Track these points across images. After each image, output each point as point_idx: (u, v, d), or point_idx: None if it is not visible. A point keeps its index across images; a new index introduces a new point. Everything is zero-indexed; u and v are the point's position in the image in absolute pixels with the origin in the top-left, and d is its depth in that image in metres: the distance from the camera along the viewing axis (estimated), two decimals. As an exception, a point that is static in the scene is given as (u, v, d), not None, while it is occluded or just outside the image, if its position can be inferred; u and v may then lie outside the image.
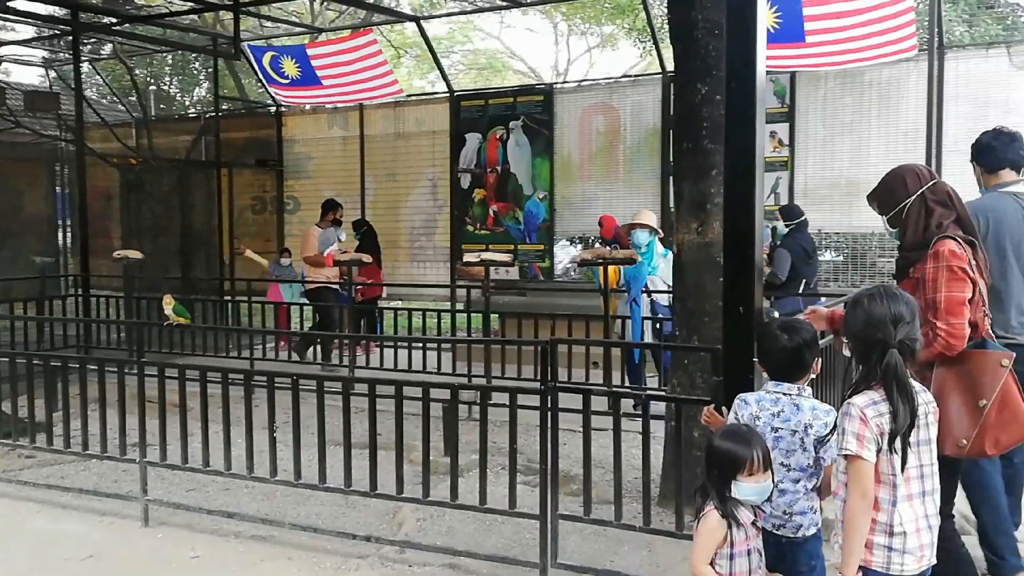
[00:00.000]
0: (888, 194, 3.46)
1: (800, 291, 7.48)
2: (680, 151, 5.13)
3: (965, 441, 3.13)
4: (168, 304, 6.21)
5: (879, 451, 2.58)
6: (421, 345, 7.88)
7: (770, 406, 2.98)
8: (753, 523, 2.79)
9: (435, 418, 4.72)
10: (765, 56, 3.40)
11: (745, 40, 3.38)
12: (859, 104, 9.10)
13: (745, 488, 2.70)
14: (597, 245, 7.83)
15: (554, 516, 4.14)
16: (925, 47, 8.80)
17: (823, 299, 7.33)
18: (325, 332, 9.41)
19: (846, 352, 3.60)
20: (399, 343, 8.32)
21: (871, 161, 8.99)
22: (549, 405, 4.11)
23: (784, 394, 2.98)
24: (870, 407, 2.59)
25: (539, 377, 4.16)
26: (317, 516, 5.13)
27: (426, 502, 4.51)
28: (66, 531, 5.00)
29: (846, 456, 2.62)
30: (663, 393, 4.94)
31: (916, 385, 2.68)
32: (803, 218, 7.79)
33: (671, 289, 7.09)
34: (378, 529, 4.90)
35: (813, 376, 3.03)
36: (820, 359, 3.05)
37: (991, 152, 4.38)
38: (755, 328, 3.29)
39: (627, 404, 5.71)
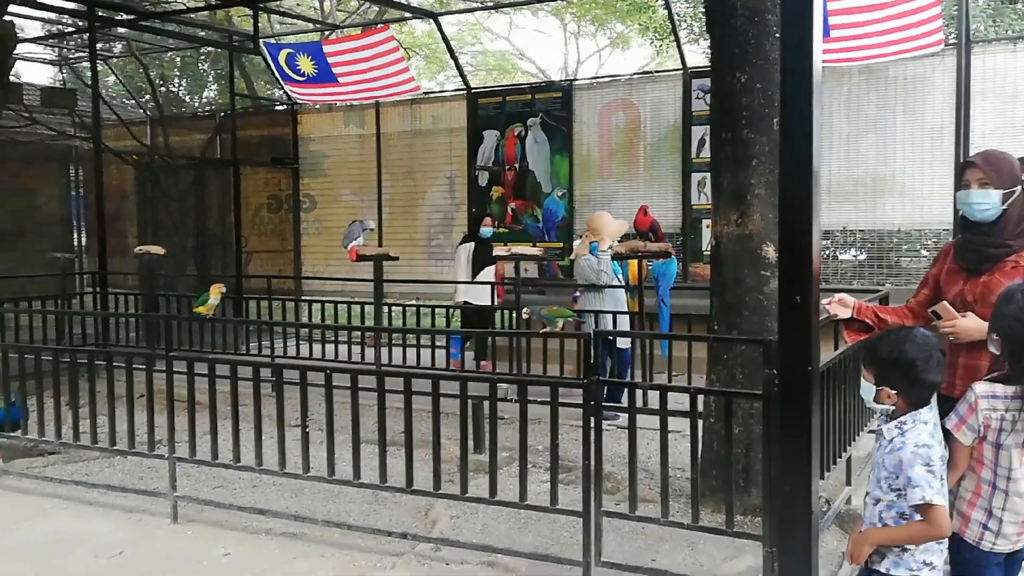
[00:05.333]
0: (1012, 176, 3.32)
1: None
2: (718, 141, 5.03)
3: None
4: (217, 293, 6.02)
5: (982, 439, 2.65)
6: (445, 341, 7.79)
7: (938, 435, 2.64)
8: None
9: (456, 416, 4.61)
10: (822, 39, 3.31)
11: (801, 22, 3.29)
12: (884, 100, 9.00)
13: None
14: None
15: (598, 513, 4.04)
16: (952, 42, 8.70)
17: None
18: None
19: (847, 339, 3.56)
20: (430, 338, 8.22)
21: (897, 158, 8.91)
22: (592, 400, 4.01)
23: (935, 415, 2.67)
24: (985, 399, 2.62)
25: (581, 371, 4.06)
26: (348, 513, 5.05)
27: (464, 498, 4.41)
28: (94, 529, 4.91)
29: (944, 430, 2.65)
30: (716, 388, 4.81)
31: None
32: None
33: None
34: (411, 526, 4.81)
35: None
36: None
37: None
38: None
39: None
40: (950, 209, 8.60)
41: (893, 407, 2.69)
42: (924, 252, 9.40)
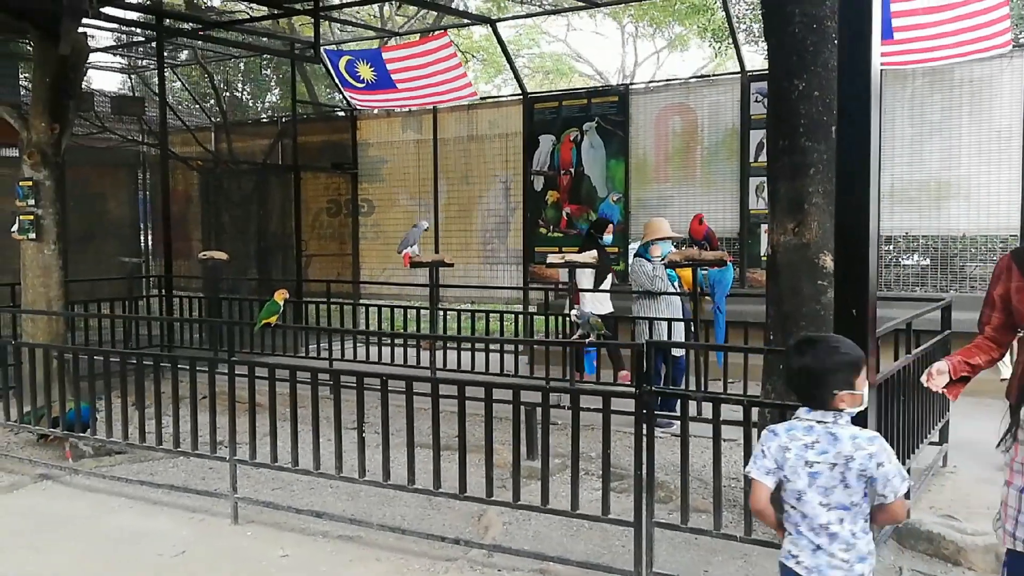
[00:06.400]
0: None
1: None
2: (775, 149, 4.99)
3: None
4: (281, 299, 6.16)
5: None
6: (499, 347, 7.85)
7: (802, 436, 2.66)
8: None
9: (510, 421, 4.64)
10: (883, 41, 3.28)
11: (859, 28, 3.27)
12: (949, 103, 8.80)
13: None
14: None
15: (649, 523, 4.04)
16: (1021, 43, 8.47)
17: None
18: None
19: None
20: (483, 344, 8.28)
21: (962, 162, 8.70)
22: (645, 410, 4.01)
23: (818, 422, 2.66)
24: None
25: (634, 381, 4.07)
26: (403, 518, 5.12)
27: (516, 506, 4.44)
28: (157, 527, 5.07)
29: None
30: (772, 400, 4.76)
31: None
32: None
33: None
34: (464, 532, 4.86)
35: (850, 410, 2.68)
36: (858, 393, 2.69)
37: None
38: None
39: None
40: (1018, 214, 8.39)
41: None
42: (992, 257, 9.15)
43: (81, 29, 7.71)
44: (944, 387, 3.35)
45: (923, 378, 3.37)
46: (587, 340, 5.22)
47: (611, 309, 8.31)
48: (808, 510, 2.64)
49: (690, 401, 4.28)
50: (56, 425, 6.11)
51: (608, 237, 8.53)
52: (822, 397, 2.67)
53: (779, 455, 2.67)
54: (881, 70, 8.85)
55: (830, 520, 2.62)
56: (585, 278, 8.14)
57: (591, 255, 7.71)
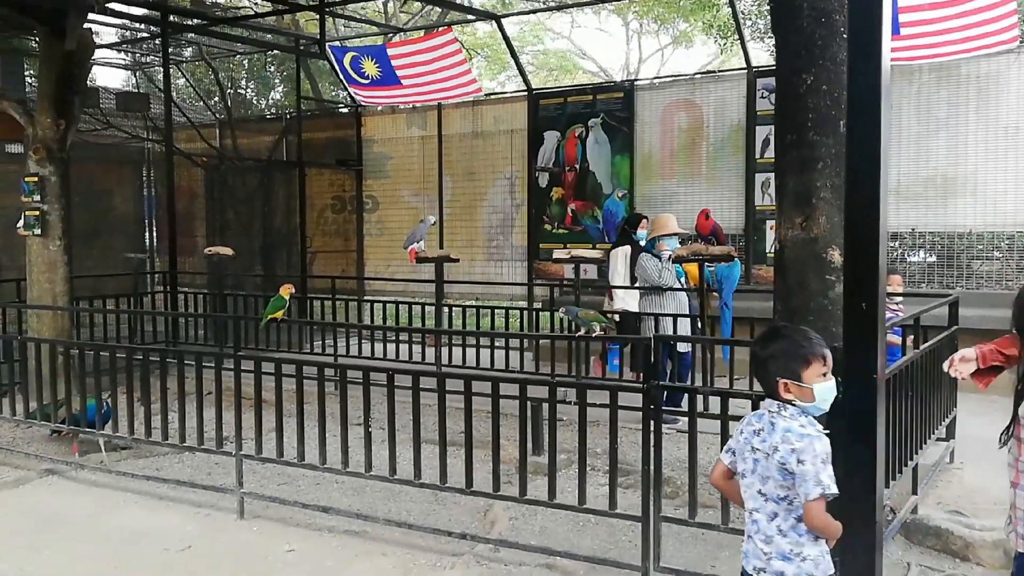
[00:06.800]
0: None
1: None
2: (782, 144, 4.94)
3: None
4: (287, 294, 6.16)
5: None
6: (504, 343, 7.84)
7: (755, 422, 2.73)
8: None
9: (515, 416, 4.63)
10: (891, 37, 3.26)
11: (869, 23, 3.24)
12: (955, 98, 8.77)
13: None
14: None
15: (657, 518, 4.03)
16: (1028, 38, 8.44)
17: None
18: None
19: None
20: (489, 339, 8.27)
21: (968, 158, 8.67)
22: (652, 405, 4.00)
23: (769, 411, 2.70)
24: None
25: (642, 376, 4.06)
26: (408, 512, 5.11)
27: (523, 500, 4.44)
28: (163, 522, 5.06)
29: None
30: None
31: None
32: None
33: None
34: (470, 527, 4.86)
35: (802, 403, 2.65)
36: (806, 386, 2.64)
37: None
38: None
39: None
40: (1024, 209, 8.37)
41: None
42: (999, 254, 9.13)
43: (86, 25, 7.73)
44: (971, 375, 3.34)
45: (945, 365, 3.35)
46: (593, 335, 5.20)
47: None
48: (745, 493, 2.74)
49: (697, 396, 4.27)
50: (65, 421, 6.11)
51: (642, 232, 8.06)
52: (767, 384, 2.71)
53: (737, 437, 2.79)
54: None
55: (757, 507, 2.68)
56: (618, 275, 7.96)
57: (623, 251, 7.67)
